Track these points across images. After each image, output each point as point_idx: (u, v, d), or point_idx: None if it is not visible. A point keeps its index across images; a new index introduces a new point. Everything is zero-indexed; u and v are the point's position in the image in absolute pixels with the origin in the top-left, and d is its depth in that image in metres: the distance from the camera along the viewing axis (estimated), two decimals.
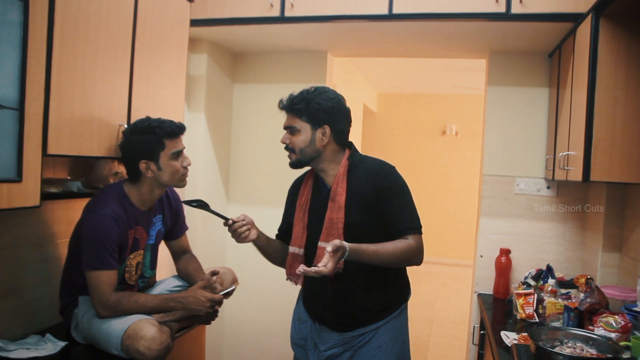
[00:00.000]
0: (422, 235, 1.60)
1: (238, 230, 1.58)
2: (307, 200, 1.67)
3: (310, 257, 1.62)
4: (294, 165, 1.64)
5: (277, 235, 1.79)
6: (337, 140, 1.62)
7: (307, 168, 1.71)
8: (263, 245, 1.67)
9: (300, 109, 1.58)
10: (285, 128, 1.63)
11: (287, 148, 1.63)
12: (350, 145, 1.67)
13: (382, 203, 1.57)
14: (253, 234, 1.60)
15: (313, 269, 1.34)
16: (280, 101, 1.64)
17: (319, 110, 1.57)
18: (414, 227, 1.57)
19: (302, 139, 1.59)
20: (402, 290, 1.73)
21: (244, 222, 1.59)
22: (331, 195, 1.59)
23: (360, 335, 1.63)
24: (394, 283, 1.69)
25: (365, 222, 1.58)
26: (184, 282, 1.96)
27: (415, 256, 1.56)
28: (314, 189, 1.68)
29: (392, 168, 1.64)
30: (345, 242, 1.42)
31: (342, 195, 1.57)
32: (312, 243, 1.62)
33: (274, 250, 1.72)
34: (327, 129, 1.59)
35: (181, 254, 2.01)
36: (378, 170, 1.61)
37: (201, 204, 1.61)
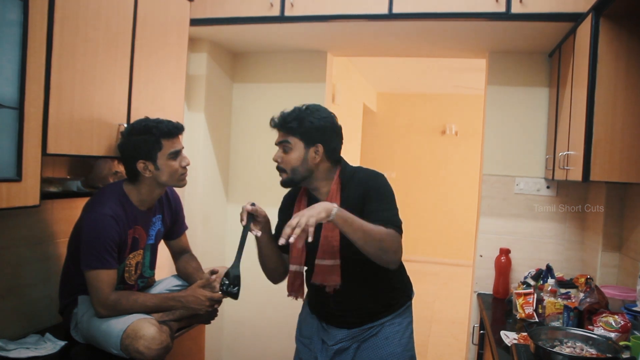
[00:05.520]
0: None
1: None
2: None
3: (309, 272, 1.65)
4: (285, 184, 1.63)
5: None
6: (329, 158, 1.61)
7: None
8: (264, 241, 1.63)
9: (293, 128, 1.57)
10: (278, 144, 1.62)
11: (278, 168, 1.62)
12: (341, 161, 1.66)
13: (365, 204, 1.54)
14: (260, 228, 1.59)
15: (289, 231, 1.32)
16: (272, 119, 1.62)
17: (312, 128, 1.56)
18: (394, 224, 1.49)
19: (295, 157, 1.58)
20: (404, 290, 1.74)
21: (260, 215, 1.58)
22: None
23: (367, 329, 1.65)
24: (395, 285, 1.71)
25: None
26: (184, 281, 1.96)
27: (395, 250, 1.47)
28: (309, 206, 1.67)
29: (381, 176, 1.62)
30: (335, 205, 1.38)
31: None
32: (310, 261, 1.63)
33: (273, 252, 1.66)
34: (320, 148, 1.58)
35: (181, 254, 2.01)
36: (367, 179, 1.60)
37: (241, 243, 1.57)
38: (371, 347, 1.65)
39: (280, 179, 1.64)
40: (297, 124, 1.56)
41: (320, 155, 1.58)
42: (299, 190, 1.73)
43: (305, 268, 1.67)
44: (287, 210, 1.72)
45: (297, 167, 1.58)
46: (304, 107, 1.60)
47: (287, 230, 1.32)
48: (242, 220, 1.55)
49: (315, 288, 1.65)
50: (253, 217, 1.57)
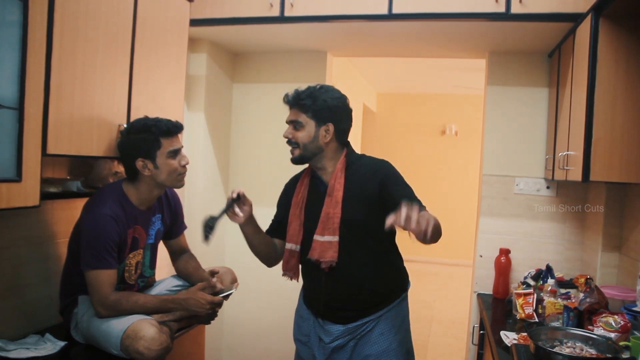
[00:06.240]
0: None
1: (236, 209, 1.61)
2: (303, 198, 1.69)
3: (305, 252, 1.65)
4: (297, 160, 1.65)
5: (267, 231, 1.80)
6: (338, 139, 1.65)
7: (303, 166, 1.72)
8: (250, 233, 1.66)
9: (306, 105, 1.59)
10: (289, 122, 1.64)
11: (289, 142, 1.64)
12: (348, 145, 1.70)
13: (384, 194, 1.57)
14: (243, 215, 1.61)
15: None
16: (286, 95, 1.65)
17: (325, 107, 1.59)
18: (421, 205, 1.52)
19: (306, 134, 1.60)
20: (399, 280, 1.74)
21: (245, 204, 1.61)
22: (328, 191, 1.61)
23: (363, 325, 1.65)
24: (389, 273, 1.70)
25: (363, 219, 1.60)
26: (184, 281, 1.96)
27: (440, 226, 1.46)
28: (311, 187, 1.70)
29: (390, 163, 1.68)
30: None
31: (340, 191, 1.59)
32: (308, 240, 1.64)
33: (261, 242, 1.70)
34: (331, 127, 1.61)
35: (180, 254, 2.01)
36: (378, 166, 1.64)
37: (210, 222, 1.61)
38: (367, 343, 1.65)
39: (290, 156, 1.65)
40: (310, 102, 1.59)
41: (331, 134, 1.61)
42: (299, 178, 1.75)
43: (300, 247, 1.67)
44: (289, 189, 1.75)
45: (308, 144, 1.61)
46: (317, 86, 1.63)
47: (403, 214, 1.24)
48: (232, 193, 1.59)
49: (310, 270, 1.66)
50: (239, 200, 1.61)
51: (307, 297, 1.76)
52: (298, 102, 1.61)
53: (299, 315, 1.81)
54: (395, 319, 1.69)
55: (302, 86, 1.65)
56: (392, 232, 1.67)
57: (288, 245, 1.69)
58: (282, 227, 1.74)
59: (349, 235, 1.59)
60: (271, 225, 1.80)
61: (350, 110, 1.67)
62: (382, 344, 1.65)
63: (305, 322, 1.76)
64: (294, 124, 1.62)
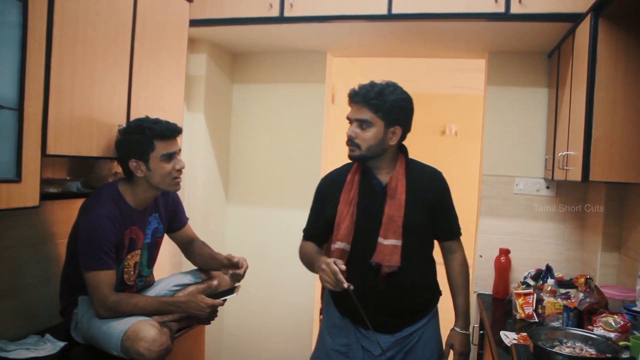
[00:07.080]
0: None
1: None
2: (355, 196, 1.61)
3: (354, 252, 1.58)
4: (357, 159, 1.58)
5: (310, 235, 1.71)
6: (400, 141, 1.61)
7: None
8: None
9: (378, 105, 1.52)
10: (354, 120, 1.56)
11: (351, 142, 1.56)
12: (404, 146, 1.67)
13: (439, 208, 1.64)
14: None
15: None
16: (354, 92, 1.56)
17: (395, 108, 1.53)
18: (459, 230, 1.78)
19: (373, 135, 1.53)
20: (437, 287, 1.77)
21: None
22: (390, 192, 1.57)
23: (410, 335, 1.65)
24: (433, 280, 1.73)
25: (422, 223, 1.61)
26: (183, 281, 1.95)
27: (467, 262, 1.77)
28: (363, 185, 1.63)
29: (442, 174, 1.72)
30: (459, 331, 1.69)
31: (403, 193, 1.57)
32: (359, 239, 1.58)
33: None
34: (398, 130, 1.56)
35: (189, 244, 2.00)
36: (436, 175, 1.68)
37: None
38: (414, 354, 1.65)
39: (349, 153, 1.58)
40: (382, 102, 1.52)
41: (398, 137, 1.57)
42: (344, 172, 1.66)
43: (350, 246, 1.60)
44: (329, 189, 1.66)
45: (374, 145, 1.55)
46: (384, 83, 1.56)
47: None
48: (343, 284, 1.41)
49: (364, 274, 1.56)
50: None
51: (354, 304, 1.47)
52: (369, 101, 1.51)
53: (331, 323, 1.71)
54: (435, 329, 1.72)
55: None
56: (433, 240, 1.71)
57: (339, 244, 1.58)
58: (330, 230, 1.64)
59: (407, 239, 1.56)
60: (317, 231, 1.70)
61: (413, 111, 1.61)
62: (425, 354, 1.66)
63: (342, 331, 1.67)
64: (361, 122, 1.53)
